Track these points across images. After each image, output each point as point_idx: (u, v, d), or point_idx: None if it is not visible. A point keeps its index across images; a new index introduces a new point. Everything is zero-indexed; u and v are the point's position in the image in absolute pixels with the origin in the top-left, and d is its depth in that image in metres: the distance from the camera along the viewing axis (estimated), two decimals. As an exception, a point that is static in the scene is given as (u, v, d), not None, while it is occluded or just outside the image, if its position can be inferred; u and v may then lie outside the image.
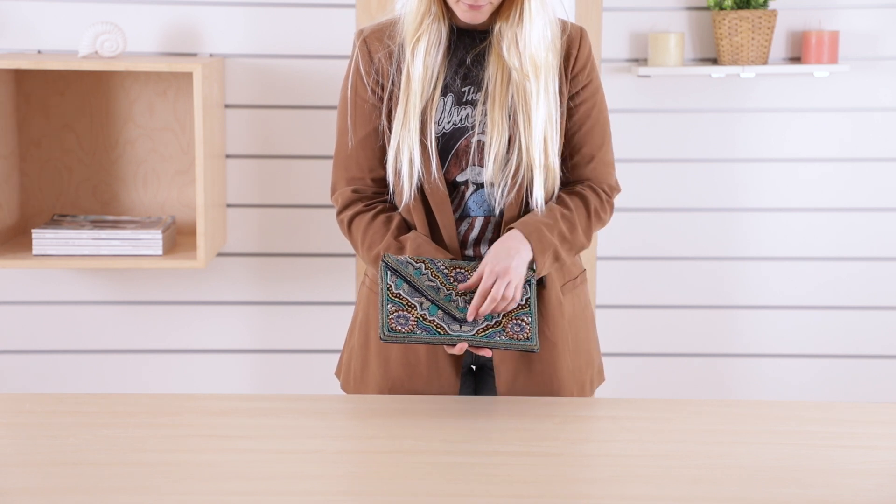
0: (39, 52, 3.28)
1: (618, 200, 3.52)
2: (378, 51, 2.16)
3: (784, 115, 3.47)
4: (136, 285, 3.40)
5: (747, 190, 3.50)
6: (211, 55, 3.31)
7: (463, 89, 2.15)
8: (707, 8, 3.41)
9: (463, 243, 2.17)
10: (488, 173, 2.13)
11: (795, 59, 3.46)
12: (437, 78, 2.13)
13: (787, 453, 1.82)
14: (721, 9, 3.33)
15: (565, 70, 2.17)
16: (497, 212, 2.16)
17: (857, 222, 3.51)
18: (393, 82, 2.15)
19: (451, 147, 2.14)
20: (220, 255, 3.39)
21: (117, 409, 2.00)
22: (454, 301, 2.07)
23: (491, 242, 2.17)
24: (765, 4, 3.32)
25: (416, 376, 2.17)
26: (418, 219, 2.16)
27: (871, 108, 3.47)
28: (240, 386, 3.45)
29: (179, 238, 3.29)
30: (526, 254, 2.08)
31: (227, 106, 3.34)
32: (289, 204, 3.38)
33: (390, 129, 2.14)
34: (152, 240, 3.08)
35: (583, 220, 2.18)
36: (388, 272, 2.07)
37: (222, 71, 3.29)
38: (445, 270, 2.09)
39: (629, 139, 3.48)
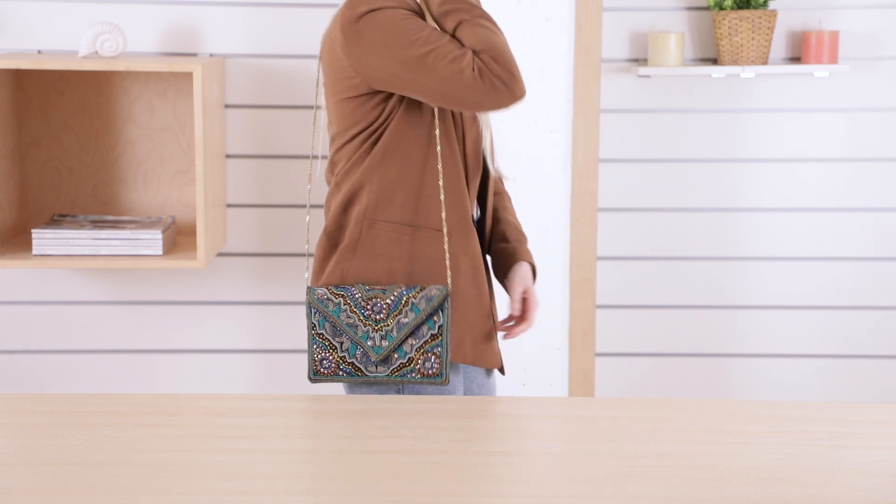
0: (39, 52, 3.28)
1: (618, 200, 3.54)
2: None
3: (784, 115, 3.47)
4: (136, 285, 3.40)
5: (747, 190, 3.50)
6: (211, 55, 3.31)
7: None
8: (707, 8, 3.41)
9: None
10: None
11: (795, 59, 3.46)
12: None
13: (787, 453, 1.82)
14: (721, 9, 3.33)
15: None
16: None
17: (857, 222, 3.51)
18: None
19: None
20: (220, 255, 3.40)
21: (117, 409, 2.00)
22: (371, 338, 2.15)
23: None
24: (765, 4, 3.32)
25: None
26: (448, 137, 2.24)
27: (870, 108, 3.47)
28: (240, 386, 3.45)
29: (179, 238, 3.29)
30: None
31: (226, 106, 3.34)
32: (289, 204, 3.38)
33: None
34: (152, 240, 3.08)
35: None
36: (312, 311, 2.17)
37: (222, 71, 3.29)
38: (362, 303, 2.15)
39: (629, 139, 3.48)
